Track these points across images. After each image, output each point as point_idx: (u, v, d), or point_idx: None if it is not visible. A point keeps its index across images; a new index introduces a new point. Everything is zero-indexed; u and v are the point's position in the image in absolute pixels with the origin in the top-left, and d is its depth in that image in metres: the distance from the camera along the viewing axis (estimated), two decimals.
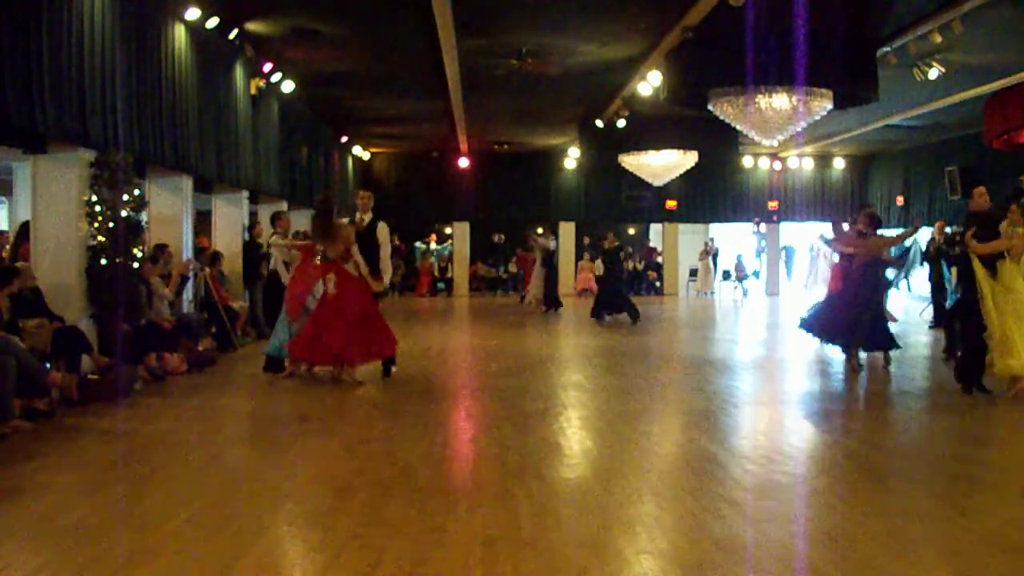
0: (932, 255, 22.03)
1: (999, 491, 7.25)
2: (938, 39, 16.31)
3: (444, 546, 5.85)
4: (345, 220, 13.59)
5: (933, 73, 18.60)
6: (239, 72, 18.40)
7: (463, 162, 35.37)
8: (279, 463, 8.27)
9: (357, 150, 34.02)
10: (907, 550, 5.81)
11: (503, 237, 37.94)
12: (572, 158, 34.72)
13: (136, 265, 12.85)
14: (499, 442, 9.25)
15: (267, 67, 19.35)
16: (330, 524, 6.31)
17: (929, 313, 22.61)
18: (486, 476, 7.93)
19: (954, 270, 20.45)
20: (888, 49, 17.71)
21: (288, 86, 20.69)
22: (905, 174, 34.34)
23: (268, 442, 9.37)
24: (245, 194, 19.55)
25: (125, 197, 12.44)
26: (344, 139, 31.19)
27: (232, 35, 17.04)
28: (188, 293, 15.62)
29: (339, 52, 19.07)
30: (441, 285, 37.37)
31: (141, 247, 13.08)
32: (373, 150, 35.73)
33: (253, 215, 20.85)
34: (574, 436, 9.52)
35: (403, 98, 24.51)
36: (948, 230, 22.02)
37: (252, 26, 17.06)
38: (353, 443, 9.24)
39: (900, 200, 34.15)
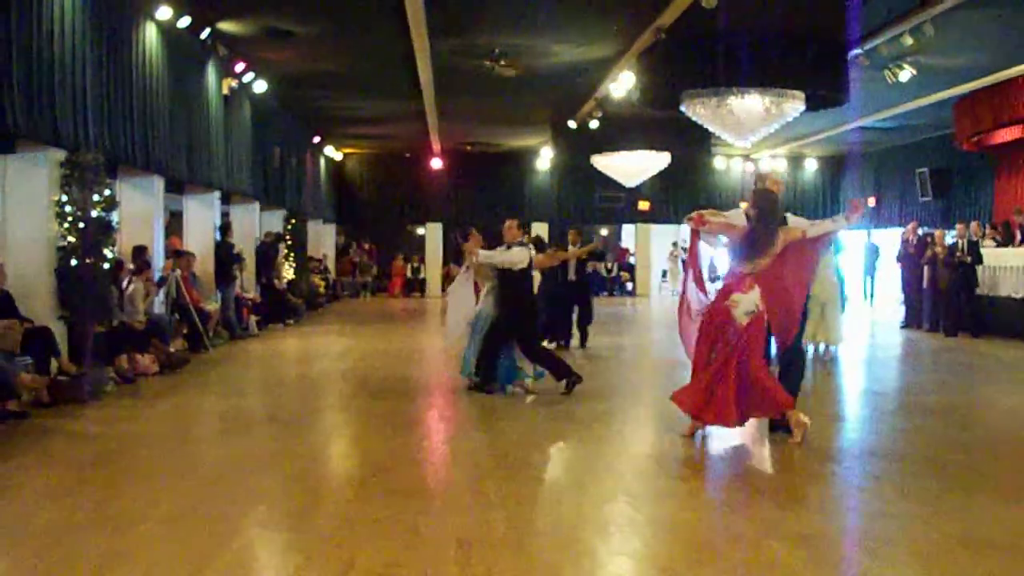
0: (903, 255, 22.17)
1: (971, 491, 7.28)
2: (909, 41, 16.39)
3: (418, 547, 5.84)
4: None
5: (904, 75, 18.70)
6: (211, 72, 18.32)
7: (436, 163, 35.36)
8: (251, 464, 8.22)
9: (330, 151, 33.96)
10: (880, 549, 5.83)
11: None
12: (545, 159, 34.72)
13: (107, 266, 12.77)
14: (472, 442, 9.25)
15: (240, 67, 19.27)
16: (303, 525, 6.29)
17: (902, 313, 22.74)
18: (460, 476, 7.92)
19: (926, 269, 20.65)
20: (860, 51, 17.79)
21: (260, 86, 20.63)
22: (877, 175, 34.53)
23: (240, 443, 9.32)
24: (217, 194, 19.44)
25: (96, 197, 12.36)
26: (317, 139, 31.11)
27: (204, 35, 16.98)
28: (160, 294, 15.53)
29: (312, 52, 19.01)
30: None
31: (112, 247, 13.00)
32: (346, 151, 35.69)
33: (225, 216, 20.77)
34: (547, 437, 9.52)
35: (376, 99, 24.45)
36: (920, 231, 22.22)
37: (224, 26, 16.99)
38: (325, 443, 9.22)
39: (872, 201, 34.29)
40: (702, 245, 9.53)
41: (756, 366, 8.77)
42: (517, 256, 11.98)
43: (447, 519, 6.44)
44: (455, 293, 12.80)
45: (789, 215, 9.34)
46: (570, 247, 17.60)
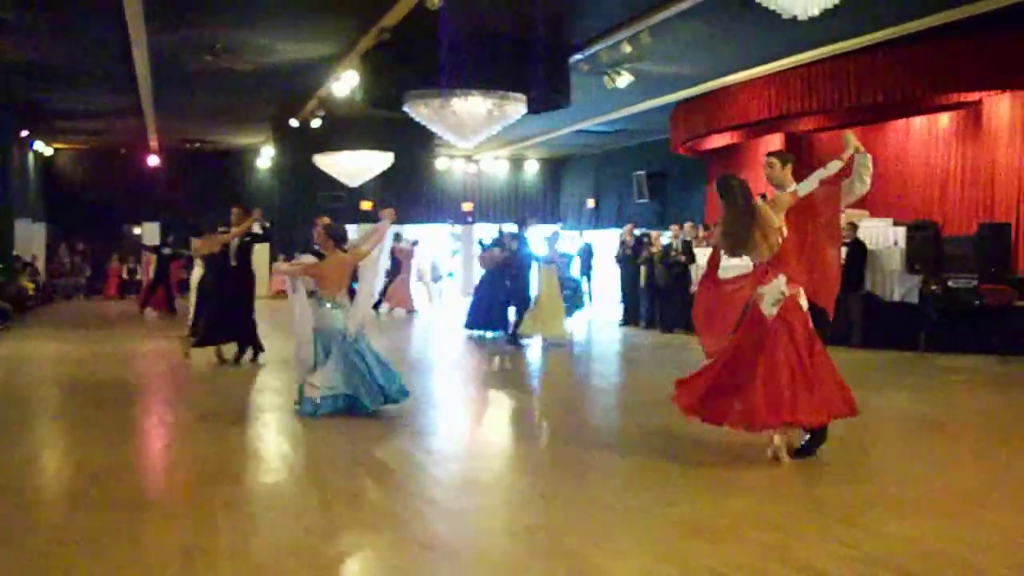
0: (621, 256, 22.80)
1: (693, 480, 7.50)
2: (628, 48, 16.91)
3: (140, 560, 5.58)
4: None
5: (623, 81, 19.27)
6: None
7: (153, 160, 34.29)
8: None
9: (39, 145, 32.37)
10: (608, 540, 5.93)
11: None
12: (267, 158, 34.10)
13: None
14: (194, 448, 8.97)
15: None
16: (15, 542, 5.92)
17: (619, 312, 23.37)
18: (182, 484, 7.64)
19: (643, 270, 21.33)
20: (580, 57, 18.23)
21: None
22: (596, 178, 35.47)
23: None
24: None
25: None
26: (24, 133, 29.58)
27: None
28: None
29: (22, 41, 18.05)
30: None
31: None
32: (57, 146, 34.16)
33: None
34: (272, 441, 9.33)
35: (91, 92, 23.49)
36: (637, 232, 22.91)
37: None
38: (38, 454, 8.77)
39: (591, 203, 35.24)
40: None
41: (816, 361, 8.09)
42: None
43: (170, 529, 6.19)
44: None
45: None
46: (232, 228, 15.32)
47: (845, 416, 8.10)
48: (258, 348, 15.43)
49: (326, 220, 10.93)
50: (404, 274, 27.35)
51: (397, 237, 27.18)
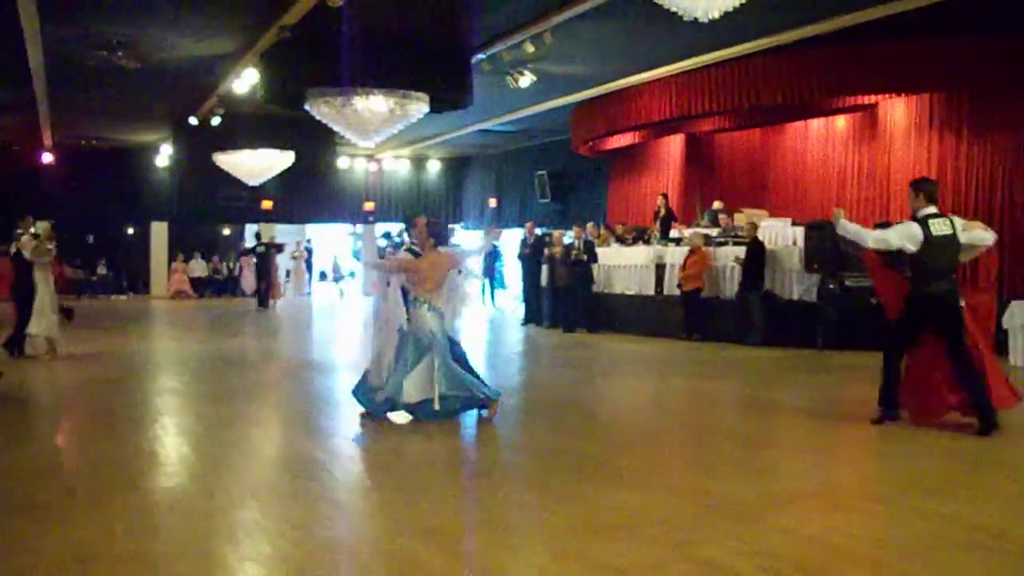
0: (522, 255, 22.87)
1: (593, 479, 7.52)
2: (530, 49, 16.96)
3: (35, 568, 5.44)
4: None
5: (525, 81, 19.33)
6: None
7: (47, 157, 33.53)
8: None
9: None
10: (509, 539, 5.93)
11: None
12: (166, 156, 33.51)
13: None
14: (91, 452, 8.80)
15: None
16: None
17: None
18: (78, 489, 7.47)
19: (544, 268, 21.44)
20: (483, 56, 18.23)
21: None
22: (498, 177, 35.52)
23: None
24: None
25: None
26: None
27: None
28: None
29: None
30: None
31: None
32: None
33: None
34: (171, 443, 9.17)
35: None
36: (539, 231, 23.02)
37: None
38: None
39: (493, 202, 35.29)
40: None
41: None
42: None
43: (67, 535, 6.04)
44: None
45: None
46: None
47: None
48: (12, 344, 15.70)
49: (423, 219, 10.48)
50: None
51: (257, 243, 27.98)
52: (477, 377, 10.13)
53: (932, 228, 9.06)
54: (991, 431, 8.97)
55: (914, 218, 9.23)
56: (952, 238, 9.11)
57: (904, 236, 9.16)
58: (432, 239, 10.12)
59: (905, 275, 9.49)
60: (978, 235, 9.34)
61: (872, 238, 9.48)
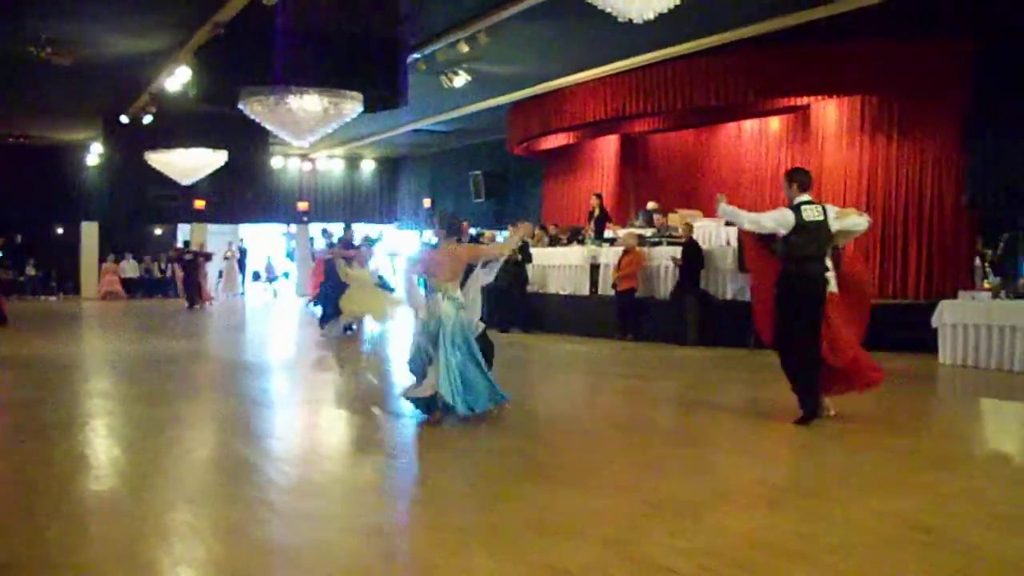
0: None
1: (537, 480, 7.51)
2: (465, 49, 16.97)
3: None
4: None
5: (460, 81, 19.33)
6: None
7: None
8: None
9: None
10: (451, 538, 5.90)
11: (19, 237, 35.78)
12: (96, 154, 33.11)
13: None
14: (18, 457, 8.64)
15: None
16: None
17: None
18: (7, 495, 7.34)
19: None
20: (418, 56, 18.19)
21: None
22: (433, 177, 35.50)
23: None
24: None
25: None
26: None
27: None
28: None
29: None
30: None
31: None
32: None
33: None
34: (101, 447, 9.04)
35: None
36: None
37: None
38: None
39: (427, 202, 35.25)
40: None
41: None
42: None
43: None
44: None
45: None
46: None
47: None
48: None
49: (466, 222, 10.46)
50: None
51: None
52: (488, 379, 9.99)
53: (804, 214, 9.68)
54: (810, 421, 9.70)
55: (789, 205, 9.81)
56: (822, 224, 9.71)
57: (777, 220, 9.81)
58: (443, 230, 10.46)
59: (777, 255, 10.04)
60: (852, 221, 9.98)
61: (748, 220, 10.06)
